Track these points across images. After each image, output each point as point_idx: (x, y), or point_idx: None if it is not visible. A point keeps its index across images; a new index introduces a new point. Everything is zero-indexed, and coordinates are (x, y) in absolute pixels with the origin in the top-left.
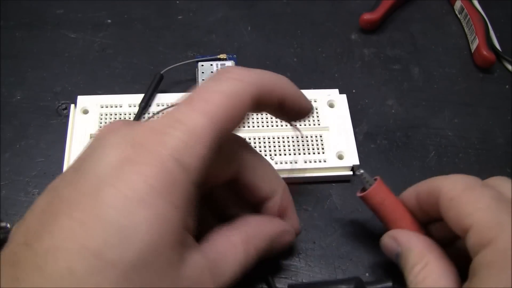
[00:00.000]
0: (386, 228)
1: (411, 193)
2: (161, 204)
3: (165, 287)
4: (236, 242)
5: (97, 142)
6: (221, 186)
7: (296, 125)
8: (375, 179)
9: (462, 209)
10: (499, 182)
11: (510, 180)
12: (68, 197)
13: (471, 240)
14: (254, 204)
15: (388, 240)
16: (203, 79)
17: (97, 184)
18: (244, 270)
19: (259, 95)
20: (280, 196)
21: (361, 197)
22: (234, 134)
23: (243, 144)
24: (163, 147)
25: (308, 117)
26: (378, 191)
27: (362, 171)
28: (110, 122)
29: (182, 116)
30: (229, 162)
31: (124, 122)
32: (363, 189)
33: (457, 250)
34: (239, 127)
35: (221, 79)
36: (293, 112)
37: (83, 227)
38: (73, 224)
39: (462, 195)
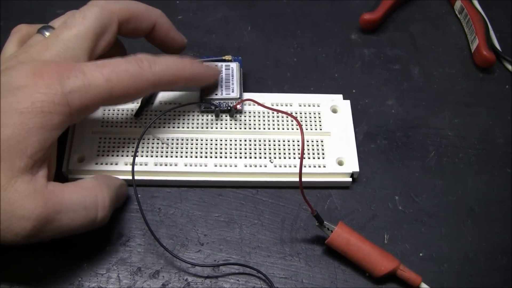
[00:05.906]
0: (359, 266)
1: None
2: None
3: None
4: (88, 185)
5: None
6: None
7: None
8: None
9: None
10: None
11: None
12: None
13: None
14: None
15: None
16: None
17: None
18: (91, 201)
19: (126, 17)
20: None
21: (328, 243)
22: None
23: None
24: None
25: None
26: (340, 232)
27: (325, 222)
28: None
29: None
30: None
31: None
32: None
33: None
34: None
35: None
36: (166, 42)
37: None
38: None
39: None
